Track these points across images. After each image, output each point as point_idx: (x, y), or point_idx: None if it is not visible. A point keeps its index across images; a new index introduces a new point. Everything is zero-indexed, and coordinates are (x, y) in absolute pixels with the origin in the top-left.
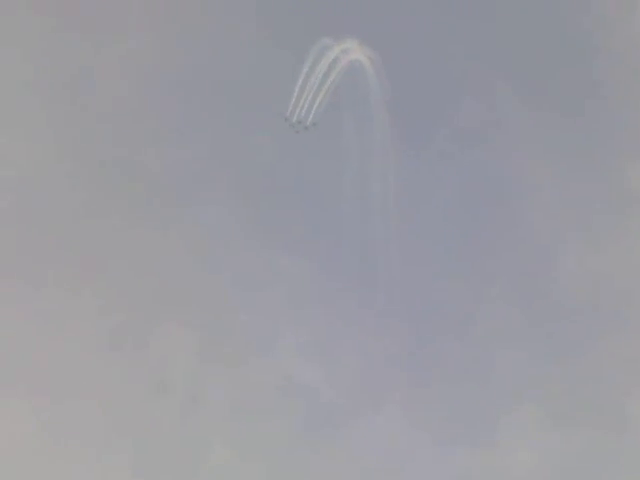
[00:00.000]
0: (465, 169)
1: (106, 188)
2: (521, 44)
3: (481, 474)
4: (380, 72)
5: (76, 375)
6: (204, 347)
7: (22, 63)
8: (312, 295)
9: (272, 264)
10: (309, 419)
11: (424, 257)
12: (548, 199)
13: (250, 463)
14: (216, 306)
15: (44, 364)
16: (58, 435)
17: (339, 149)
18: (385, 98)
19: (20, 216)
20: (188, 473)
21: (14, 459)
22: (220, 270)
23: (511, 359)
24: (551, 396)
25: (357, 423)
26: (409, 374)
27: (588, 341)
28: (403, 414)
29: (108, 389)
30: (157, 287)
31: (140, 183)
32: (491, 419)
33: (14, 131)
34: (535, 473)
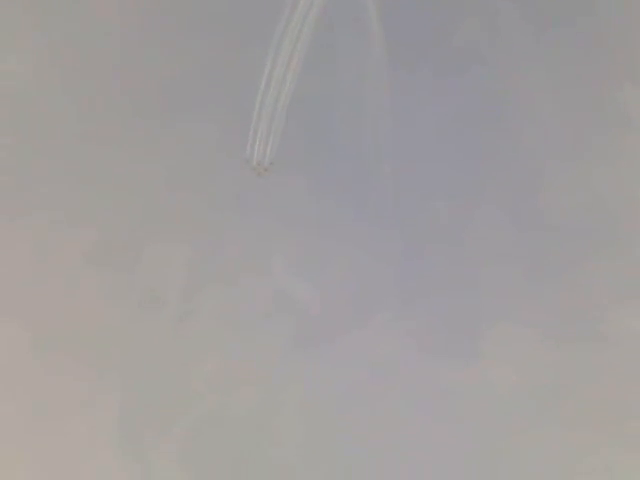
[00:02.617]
0: (461, 88)
1: (97, 101)
2: None
3: (465, 387)
4: None
5: (65, 289)
6: (195, 264)
7: None
8: (304, 212)
9: (264, 181)
10: (299, 332)
11: (417, 175)
12: (545, 121)
13: (242, 372)
14: (207, 224)
15: (33, 279)
16: (45, 349)
17: (330, 67)
18: (379, 15)
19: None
20: (182, 383)
21: (3, 362)
22: (212, 188)
23: (499, 276)
24: (536, 313)
25: (345, 336)
26: (398, 290)
27: (575, 262)
28: (390, 328)
29: (99, 304)
30: (148, 203)
31: (131, 96)
32: (476, 334)
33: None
34: (519, 386)
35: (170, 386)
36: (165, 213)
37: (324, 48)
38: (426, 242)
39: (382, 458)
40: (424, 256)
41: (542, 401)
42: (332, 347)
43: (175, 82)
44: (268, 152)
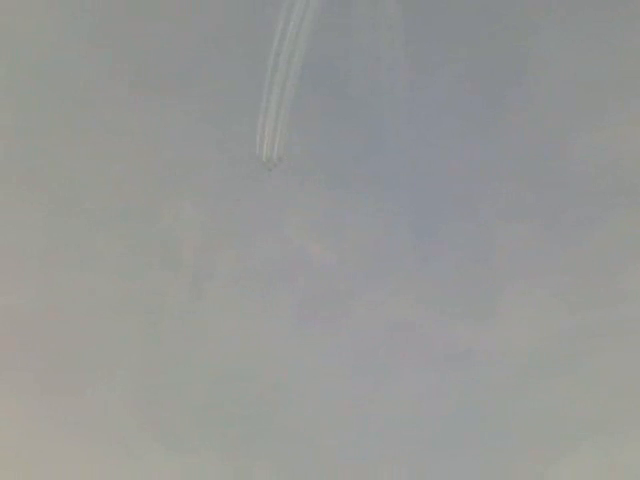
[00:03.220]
0: (477, 43)
1: (112, 58)
2: None
3: (481, 348)
4: None
5: (84, 248)
6: (213, 224)
7: None
8: (319, 171)
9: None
10: (315, 293)
11: (432, 133)
12: (563, 79)
13: (258, 329)
14: (223, 185)
15: (50, 240)
16: (63, 305)
17: (348, 22)
18: None
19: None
20: (200, 341)
21: (15, 328)
22: (228, 151)
23: (515, 236)
24: (553, 273)
25: (361, 297)
26: (413, 250)
27: (591, 223)
28: (405, 289)
29: (117, 262)
30: (166, 162)
31: (148, 56)
32: (492, 295)
33: None
34: (534, 347)
35: (186, 346)
36: (181, 173)
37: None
38: (441, 203)
39: (397, 415)
40: (439, 217)
41: (558, 361)
42: (347, 308)
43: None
44: (276, 148)
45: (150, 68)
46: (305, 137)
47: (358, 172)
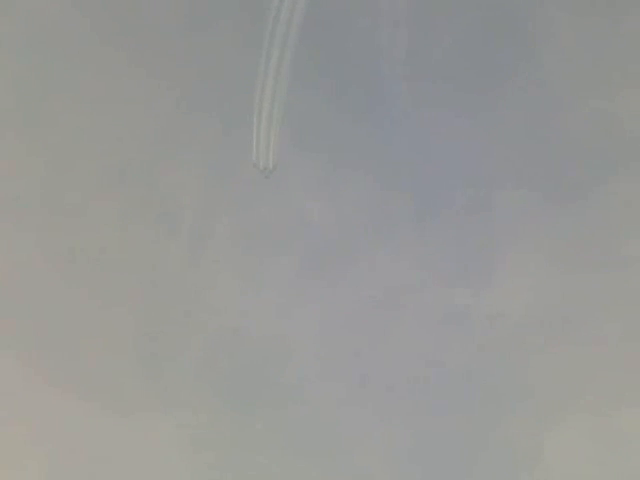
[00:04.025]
0: (478, 5)
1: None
2: None
3: (479, 311)
4: None
5: (81, 209)
6: (211, 187)
7: None
8: (320, 135)
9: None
10: (314, 254)
11: (432, 93)
12: (565, 45)
13: (256, 291)
14: (221, 147)
15: (48, 200)
16: (59, 263)
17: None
18: None
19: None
20: (198, 299)
21: (13, 278)
22: (227, 109)
23: (513, 199)
24: (551, 237)
25: (360, 260)
26: (412, 214)
27: (592, 185)
28: (405, 252)
29: (114, 223)
30: (163, 125)
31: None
32: (490, 259)
33: None
34: (533, 312)
35: (186, 306)
36: (180, 136)
37: None
38: (440, 167)
39: (392, 375)
40: (438, 181)
41: (556, 326)
42: (345, 269)
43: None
44: (271, 157)
45: (149, 39)
46: (305, 99)
47: (358, 135)
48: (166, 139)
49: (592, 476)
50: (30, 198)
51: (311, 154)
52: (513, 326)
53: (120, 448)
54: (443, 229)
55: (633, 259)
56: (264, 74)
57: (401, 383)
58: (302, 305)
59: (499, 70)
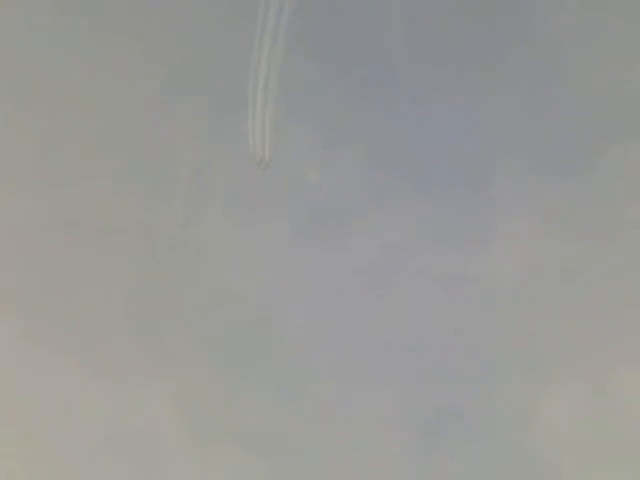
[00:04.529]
0: None
1: None
2: None
3: (475, 273)
4: None
5: (79, 172)
6: (209, 150)
7: None
8: (318, 99)
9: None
10: (312, 215)
11: (430, 58)
12: (563, 5)
13: (253, 253)
14: (219, 111)
15: (48, 161)
16: (59, 221)
17: None
18: None
19: None
20: (193, 265)
21: (13, 235)
22: (224, 74)
23: (511, 164)
24: (548, 202)
25: (356, 222)
26: (408, 178)
27: (589, 154)
28: (402, 214)
29: (114, 181)
30: (160, 88)
31: None
32: (486, 222)
33: None
34: (528, 275)
35: (182, 268)
36: (176, 100)
37: None
38: (438, 134)
39: (389, 335)
40: (436, 148)
41: (551, 289)
42: (343, 233)
43: None
44: (267, 151)
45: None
46: (302, 68)
47: (355, 103)
48: (163, 102)
49: (588, 434)
50: (29, 162)
51: (309, 120)
52: (507, 287)
53: (115, 411)
54: (440, 193)
55: (629, 225)
56: (259, 45)
57: (396, 343)
58: (299, 267)
59: (497, 43)
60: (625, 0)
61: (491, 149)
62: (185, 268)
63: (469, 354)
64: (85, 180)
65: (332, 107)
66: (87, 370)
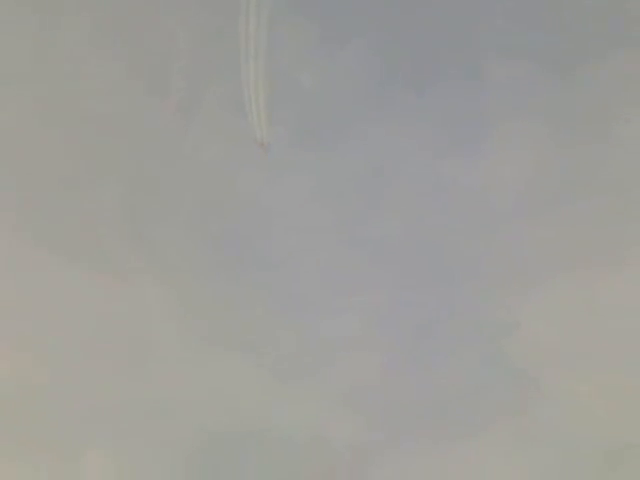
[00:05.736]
0: None
1: None
2: None
3: (468, 183)
4: None
5: (77, 73)
6: (202, 52)
7: None
8: (314, 9)
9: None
10: (307, 123)
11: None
12: None
13: (247, 158)
14: (213, 18)
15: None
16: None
17: None
18: None
19: None
20: (187, 167)
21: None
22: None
23: (509, 70)
24: (544, 111)
25: (351, 129)
26: (408, 84)
27: (589, 60)
28: (396, 122)
29: (108, 84)
30: None
31: None
32: (485, 131)
33: None
34: (520, 185)
35: (175, 171)
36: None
37: None
38: (434, 37)
39: (383, 243)
40: (432, 52)
41: (543, 199)
42: (338, 139)
43: None
44: (265, 134)
45: None
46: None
47: (350, 6)
48: (158, 6)
49: (569, 341)
50: (28, 65)
51: (303, 23)
52: (499, 197)
53: (112, 309)
54: (436, 100)
55: (629, 138)
56: None
57: (389, 250)
58: (293, 173)
59: None
60: None
61: (491, 51)
62: (178, 168)
63: (461, 262)
64: (83, 79)
65: (327, 10)
66: (81, 268)
